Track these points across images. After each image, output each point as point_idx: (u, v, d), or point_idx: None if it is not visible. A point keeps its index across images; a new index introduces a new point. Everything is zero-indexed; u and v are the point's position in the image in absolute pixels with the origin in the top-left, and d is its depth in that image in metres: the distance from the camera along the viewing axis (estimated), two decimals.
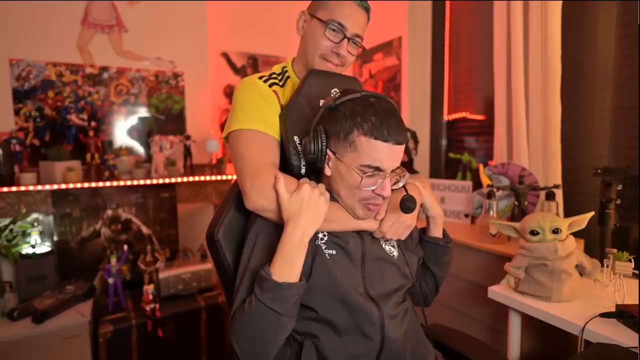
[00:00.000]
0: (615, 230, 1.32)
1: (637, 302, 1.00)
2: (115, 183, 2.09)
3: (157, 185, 2.31)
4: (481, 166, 1.85)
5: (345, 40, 0.93)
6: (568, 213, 1.62)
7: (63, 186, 1.96)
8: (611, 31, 1.56)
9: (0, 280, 1.86)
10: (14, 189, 1.87)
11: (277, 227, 0.80)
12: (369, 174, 0.76)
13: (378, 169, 0.75)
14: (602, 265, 1.20)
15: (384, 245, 0.87)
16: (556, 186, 1.58)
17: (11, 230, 1.91)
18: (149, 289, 1.96)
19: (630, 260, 1.22)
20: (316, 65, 0.96)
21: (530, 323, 1.27)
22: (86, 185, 2.02)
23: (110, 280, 2.00)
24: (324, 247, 0.80)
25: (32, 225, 1.99)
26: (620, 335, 0.91)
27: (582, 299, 1.10)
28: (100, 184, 2.07)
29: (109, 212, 2.23)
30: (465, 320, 1.67)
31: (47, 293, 1.88)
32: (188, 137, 2.35)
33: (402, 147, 0.77)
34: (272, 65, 1.06)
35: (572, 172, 1.68)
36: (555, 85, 1.62)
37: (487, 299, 1.21)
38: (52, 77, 2.10)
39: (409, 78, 2.46)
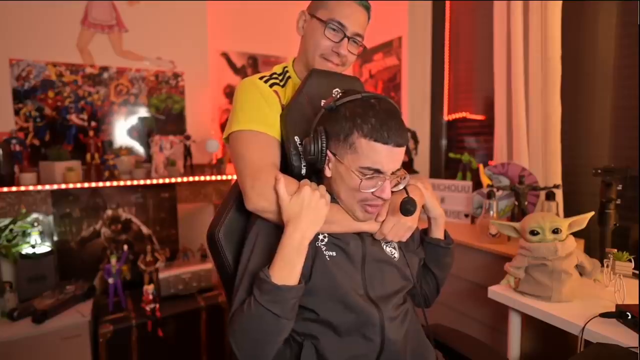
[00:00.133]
0: (615, 230, 1.32)
1: (637, 302, 1.00)
2: (115, 183, 2.09)
3: (157, 185, 2.31)
4: (481, 166, 1.85)
5: (346, 39, 0.93)
6: (568, 213, 1.62)
7: (63, 186, 1.96)
8: (611, 31, 1.56)
9: (0, 280, 1.86)
10: (14, 189, 1.87)
11: (277, 228, 0.80)
12: (368, 176, 0.75)
13: (378, 171, 0.75)
14: (602, 265, 1.20)
15: (384, 246, 0.87)
16: (556, 186, 1.58)
17: (11, 230, 1.91)
18: (149, 289, 1.96)
19: (630, 260, 1.22)
20: (317, 65, 0.95)
21: (530, 323, 1.27)
22: (86, 185, 2.02)
23: (110, 280, 2.00)
24: (324, 249, 0.79)
25: (32, 225, 1.99)
26: (620, 335, 0.91)
27: (582, 299, 1.10)
28: (100, 184, 2.07)
29: (109, 212, 2.23)
30: (465, 320, 1.67)
31: (47, 293, 1.88)
32: (188, 137, 2.35)
33: (403, 149, 0.77)
34: (272, 65, 1.06)
35: (572, 172, 1.68)
36: (555, 85, 1.62)
37: (487, 299, 1.21)
38: (52, 77, 2.10)
39: (409, 78, 2.46)
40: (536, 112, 1.69)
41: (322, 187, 0.79)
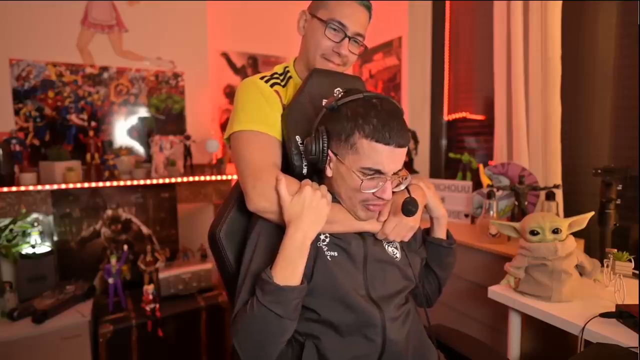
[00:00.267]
0: (615, 230, 1.32)
1: (637, 302, 1.00)
2: (115, 183, 2.09)
3: (157, 185, 2.30)
4: (481, 166, 1.85)
5: (346, 39, 0.93)
6: (568, 213, 1.62)
7: (63, 186, 1.96)
8: (611, 31, 1.56)
9: (0, 280, 1.86)
10: (14, 189, 1.87)
11: (278, 228, 0.80)
12: (369, 176, 0.75)
13: (379, 172, 0.75)
14: (602, 265, 1.20)
15: (386, 246, 0.86)
16: (556, 186, 1.58)
17: (11, 230, 1.91)
18: (149, 289, 1.96)
19: (630, 260, 1.22)
20: (317, 65, 0.95)
21: (530, 323, 1.27)
22: (86, 185, 2.02)
23: (110, 280, 2.00)
24: (325, 249, 0.79)
25: (32, 225, 1.99)
26: (620, 335, 0.91)
27: (582, 299, 1.10)
28: (100, 184, 2.07)
29: (109, 212, 2.23)
30: (465, 320, 1.67)
31: (47, 293, 1.88)
32: (188, 137, 2.35)
33: (404, 149, 0.76)
34: (273, 66, 1.06)
35: (572, 172, 1.68)
36: (555, 85, 1.62)
37: (487, 299, 1.21)
38: (52, 77, 2.10)
39: (409, 78, 2.46)
40: (536, 112, 1.69)
41: (324, 187, 0.79)
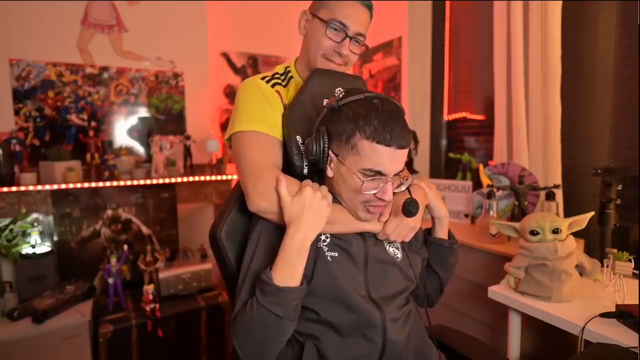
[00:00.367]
0: (615, 230, 1.32)
1: (637, 302, 1.00)
2: (115, 183, 2.09)
3: (157, 185, 2.30)
4: (481, 166, 1.86)
5: (347, 39, 0.93)
6: (568, 213, 1.62)
7: (63, 186, 1.96)
8: (611, 31, 1.56)
9: (0, 280, 1.86)
10: (14, 189, 1.87)
11: (279, 229, 0.79)
12: (370, 177, 0.75)
13: (380, 173, 0.74)
14: (602, 265, 1.20)
15: (388, 247, 0.86)
16: (556, 186, 1.58)
17: (11, 230, 1.91)
18: (149, 289, 1.96)
19: (630, 260, 1.22)
20: (319, 64, 0.95)
21: (530, 323, 1.27)
22: (86, 185, 2.02)
23: (110, 280, 2.00)
24: (326, 250, 0.79)
25: (32, 225, 1.99)
26: (620, 335, 0.91)
27: (582, 299, 1.10)
28: (100, 184, 2.07)
29: (109, 212, 2.23)
30: (465, 320, 1.67)
31: (47, 293, 1.88)
32: (188, 137, 2.35)
33: (405, 151, 0.76)
34: (273, 66, 1.06)
35: (572, 172, 1.68)
36: (555, 85, 1.62)
37: (487, 299, 1.21)
38: (52, 77, 2.10)
39: (409, 78, 2.46)
40: (536, 112, 1.69)
41: (324, 188, 0.79)
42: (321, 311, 0.77)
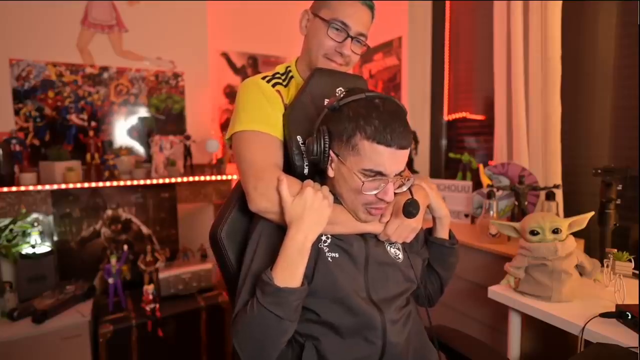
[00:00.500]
0: (615, 230, 1.32)
1: (637, 302, 1.00)
2: (115, 183, 2.09)
3: (157, 185, 2.30)
4: (481, 166, 1.86)
5: (349, 39, 0.92)
6: (568, 213, 1.62)
7: (63, 186, 1.96)
8: (611, 31, 1.56)
9: (0, 280, 1.86)
10: (14, 189, 1.87)
11: (280, 229, 0.79)
12: (371, 178, 0.74)
13: (380, 173, 0.74)
14: (602, 265, 1.20)
15: (389, 248, 0.86)
16: (556, 186, 1.58)
17: (11, 230, 1.91)
18: (149, 289, 1.96)
19: (630, 260, 1.22)
20: (320, 64, 0.94)
21: (530, 323, 1.27)
22: (86, 185, 2.02)
23: (110, 280, 2.00)
24: (326, 250, 0.79)
25: (32, 225, 1.99)
26: (620, 335, 0.91)
27: (582, 299, 1.10)
28: (100, 184, 2.07)
29: (109, 212, 2.23)
30: (465, 320, 1.67)
31: (47, 293, 1.88)
32: (188, 137, 2.35)
33: (407, 151, 0.75)
34: (273, 66, 1.06)
35: (572, 172, 1.68)
36: (555, 85, 1.62)
37: (487, 299, 1.21)
38: (52, 77, 2.10)
39: (409, 78, 2.46)
40: (536, 112, 1.69)
41: (325, 188, 0.78)
42: (321, 312, 0.77)
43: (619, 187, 1.29)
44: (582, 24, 1.64)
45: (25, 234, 1.96)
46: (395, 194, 0.77)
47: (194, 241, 2.39)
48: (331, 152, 0.78)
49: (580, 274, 1.13)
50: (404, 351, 0.79)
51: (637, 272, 1.21)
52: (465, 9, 2.28)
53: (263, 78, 0.95)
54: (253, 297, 0.72)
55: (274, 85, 0.95)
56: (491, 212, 1.60)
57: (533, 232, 1.10)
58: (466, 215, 1.97)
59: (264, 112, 0.89)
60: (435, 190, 0.92)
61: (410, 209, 0.75)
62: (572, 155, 1.68)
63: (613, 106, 1.57)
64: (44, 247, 1.98)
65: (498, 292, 1.19)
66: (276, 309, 0.69)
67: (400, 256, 0.86)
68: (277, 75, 0.98)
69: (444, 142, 2.44)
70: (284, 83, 0.98)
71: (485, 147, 2.17)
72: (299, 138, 0.87)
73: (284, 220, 0.76)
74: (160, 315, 1.94)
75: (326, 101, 0.86)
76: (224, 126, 2.67)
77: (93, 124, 2.19)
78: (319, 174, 0.88)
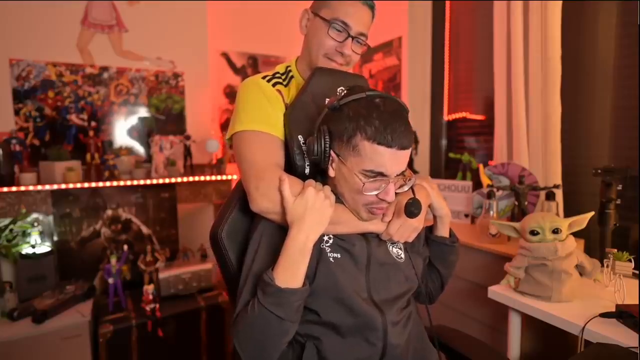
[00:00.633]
0: (615, 230, 1.32)
1: (637, 302, 1.00)
2: (115, 183, 2.09)
3: (157, 185, 2.30)
4: (481, 166, 1.86)
5: (350, 39, 0.92)
6: (568, 213, 1.62)
7: (63, 186, 1.96)
8: (611, 31, 1.56)
9: (0, 280, 1.86)
10: (14, 189, 1.87)
11: (281, 229, 0.79)
12: (371, 179, 0.74)
13: (381, 174, 0.73)
14: (602, 265, 1.20)
15: (391, 247, 0.86)
16: (556, 186, 1.58)
17: (11, 230, 1.91)
18: (149, 289, 1.96)
19: (630, 260, 1.22)
20: (320, 64, 0.94)
21: (530, 323, 1.27)
22: (86, 185, 2.02)
23: (110, 280, 1.99)
24: (328, 251, 0.78)
25: (32, 225, 1.99)
26: (620, 335, 0.91)
27: (582, 299, 1.10)
28: (100, 184, 2.07)
29: (109, 212, 2.23)
30: (465, 320, 1.67)
31: (47, 293, 1.87)
32: (188, 137, 2.35)
33: (408, 151, 0.75)
34: (273, 66, 1.06)
35: (572, 172, 1.68)
36: (555, 85, 1.62)
37: (487, 299, 1.21)
38: (52, 77, 2.10)
39: (409, 78, 2.46)
40: (536, 112, 1.69)
41: (327, 188, 0.78)
42: (322, 312, 0.76)
43: (619, 187, 1.29)
44: (582, 24, 1.65)
45: (25, 234, 1.96)
46: (396, 193, 0.77)
47: (194, 241, 2.39)
48: (332, 152, 0.77)
49: (580, 274, 1.13)
50: (404, 352, 0.79)
51: (637, 272, 1.21)
52: (465, 9, 2.28)
53: (263, 78, 0.95)
54: (254, 297, 0.71)
55: (274, 85, 0.94)
56: (491, 212, 1.61)
57: (533, 232, 1.10)
58: (466, 215, 1.97)
59: (264, 112, 0.89)
60: (436, 189, 0.92)
61: (412, 208, 0.75)
62: (572, 155, 1.68)
63: (613, 106, 1.57)
64: (44, 247, 1.98)
65: (498, 292, 1.19)
66: (277, 309, 0.68)
67: (402, 256, 0.86)
68: (277, 75, 0.97)
69: (444, 142, 2.45)
70: (284, 83, 0.97)
71: (485, 147, 2.17)
72: (300, 138, 0.86)
73: (285, 221, 0.75)
74: (160, 315, 1.94)
75: (327, 100, 0.85)
76: (224, 126, 2.67)
77: (93, 124, 2.19)
78: (320, 174, 0.87)
